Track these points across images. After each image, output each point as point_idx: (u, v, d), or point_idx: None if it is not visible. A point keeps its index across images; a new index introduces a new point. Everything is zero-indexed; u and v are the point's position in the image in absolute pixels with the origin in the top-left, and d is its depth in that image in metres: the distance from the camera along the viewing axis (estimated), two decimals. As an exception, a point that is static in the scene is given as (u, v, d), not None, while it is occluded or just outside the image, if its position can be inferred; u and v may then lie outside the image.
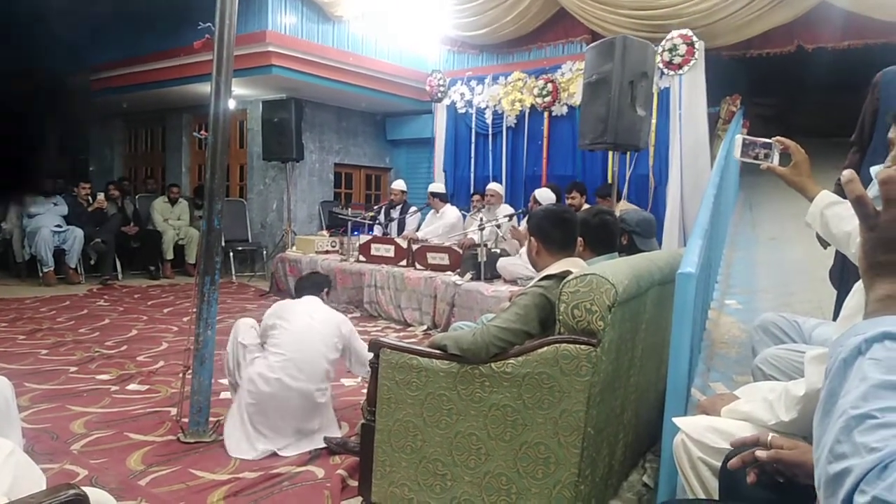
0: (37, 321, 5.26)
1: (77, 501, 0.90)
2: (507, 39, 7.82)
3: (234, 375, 2.89)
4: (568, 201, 5.54)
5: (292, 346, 2.78)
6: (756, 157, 1.80)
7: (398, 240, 6.26)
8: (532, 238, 2.26)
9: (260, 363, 2.78)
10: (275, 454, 2.71)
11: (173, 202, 8.39)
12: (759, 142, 1.80)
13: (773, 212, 6.40)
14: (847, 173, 0.74)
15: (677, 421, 1.44)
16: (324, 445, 2.78)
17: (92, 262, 7.60)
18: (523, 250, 4.76)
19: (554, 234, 2.22)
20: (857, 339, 0.64)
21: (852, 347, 0.64)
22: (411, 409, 1.99)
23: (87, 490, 0.95)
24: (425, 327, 5.37)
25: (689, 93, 5.95)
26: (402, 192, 7.28)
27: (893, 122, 1.60)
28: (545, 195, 5.45)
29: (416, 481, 2.01)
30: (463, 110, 7.97)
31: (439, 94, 8.13)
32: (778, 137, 1.79)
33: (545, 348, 1.78)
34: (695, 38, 5.90)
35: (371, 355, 2.18)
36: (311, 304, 3.00)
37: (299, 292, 3.16)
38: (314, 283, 3.20)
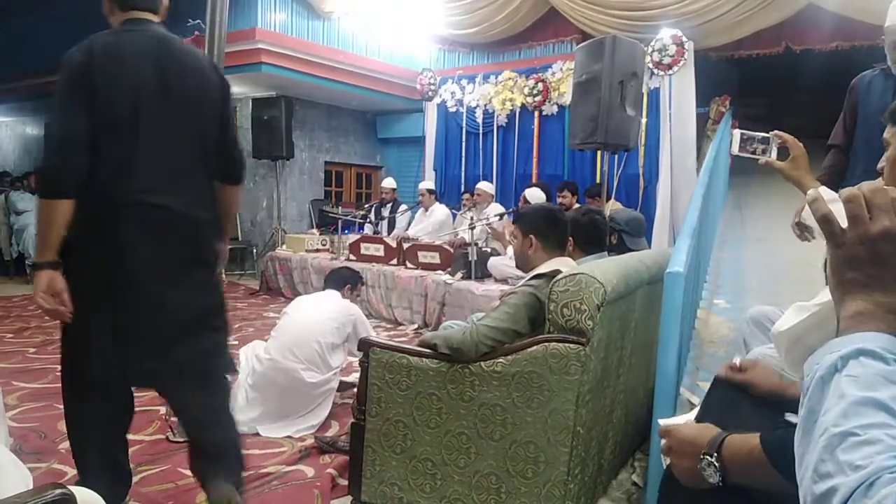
0: (25, 319, 5.22)
1: (64, 501, 0.89)
2: (498, 39, 7.82)
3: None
4: (559, 200, 5.56)
5: (288, 330, 2.98)
6: (754, 152, 1.81)
7: (388, 239, 6.25)
8: (531, 236, 2.24)
9: (259, 345, 3.05)
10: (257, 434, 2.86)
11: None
12: (757, 136, 1.81)
13: (761, 213, 6.44)
14: (811, 192, 0.75)
15: (663, 422, 1.44)
16: (300, 434, 2.87)
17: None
18: (511, 249, 4.76)
19: (551, 233, 2.22)
20: (832, 357, 0.64)
21: (828, 365, 0.64)
22: (401, 409, 1.99)
23: (75, 489, 0.94)
24: (416, 326, 5.36)
25: (678, 93, 5.98)
26: (393, 189, 7.29)
27: (889, 121, 1.58)
28: (535, 194, 5.46)
29: (406, 480, 2.01)
30: (454, 109, 7.97)
31: (430, 93, 8.12)
32: (776, 132, 1.80)
33: (534, 347, 1.78)
34: (684, 39, 5.92)
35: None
36: (323, 296, 3.20)
37: (324, 286, 3.36)
38: (336, 278, 3.37)
